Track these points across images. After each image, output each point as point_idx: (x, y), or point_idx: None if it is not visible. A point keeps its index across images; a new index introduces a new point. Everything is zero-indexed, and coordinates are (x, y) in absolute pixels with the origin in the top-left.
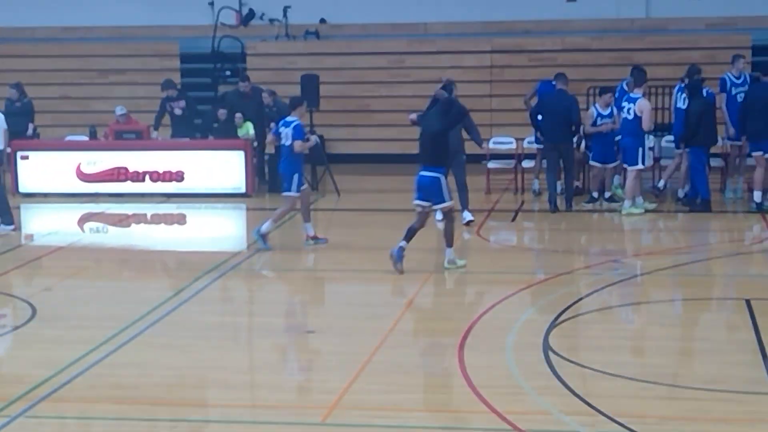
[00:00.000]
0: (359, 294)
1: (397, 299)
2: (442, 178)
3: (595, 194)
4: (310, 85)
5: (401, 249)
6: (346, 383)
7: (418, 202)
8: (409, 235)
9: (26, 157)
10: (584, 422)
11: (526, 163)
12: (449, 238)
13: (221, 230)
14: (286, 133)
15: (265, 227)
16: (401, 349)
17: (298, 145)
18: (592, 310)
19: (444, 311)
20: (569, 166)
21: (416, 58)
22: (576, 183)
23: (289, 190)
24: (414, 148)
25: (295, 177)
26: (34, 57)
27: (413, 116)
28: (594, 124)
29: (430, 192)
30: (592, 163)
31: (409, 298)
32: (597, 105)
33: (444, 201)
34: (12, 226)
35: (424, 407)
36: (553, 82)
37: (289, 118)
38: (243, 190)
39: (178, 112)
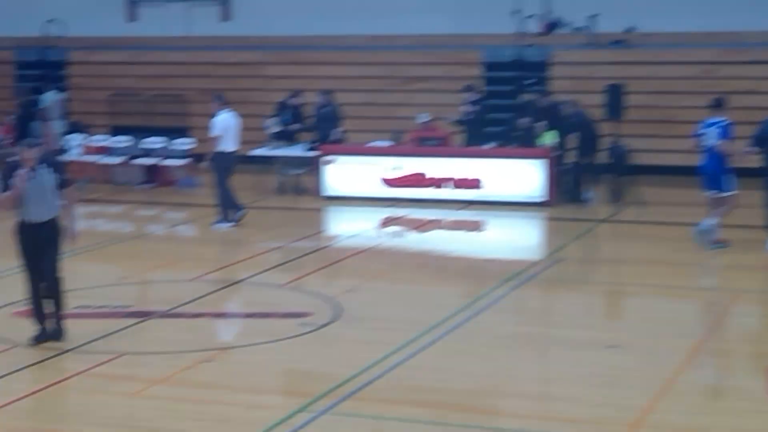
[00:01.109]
0: (662, 310)
1: (703, 317)
2: None
3: None
4: (615, 94)
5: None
6: (648, 402)
7: None
8: None
9: (331, 161)
10: None
11: None
12: None
13: (520, 239)
14: (712, 132)
15: (706, 225)
16: (707, 370)
17: (723, 145)
18: None
19: (754, 332)
20: None
21: (729, 68)
22: None
23: (725, 190)
24: None
25: (726, 176)
26: (342, 64)
27: None
28: None
29: None
30: None
31: (716, 317)
32: None
33: None
34: (234, 223)
35: None
36: None
37: (714, 119)
38: (542, 198)
39: (468, 115)
